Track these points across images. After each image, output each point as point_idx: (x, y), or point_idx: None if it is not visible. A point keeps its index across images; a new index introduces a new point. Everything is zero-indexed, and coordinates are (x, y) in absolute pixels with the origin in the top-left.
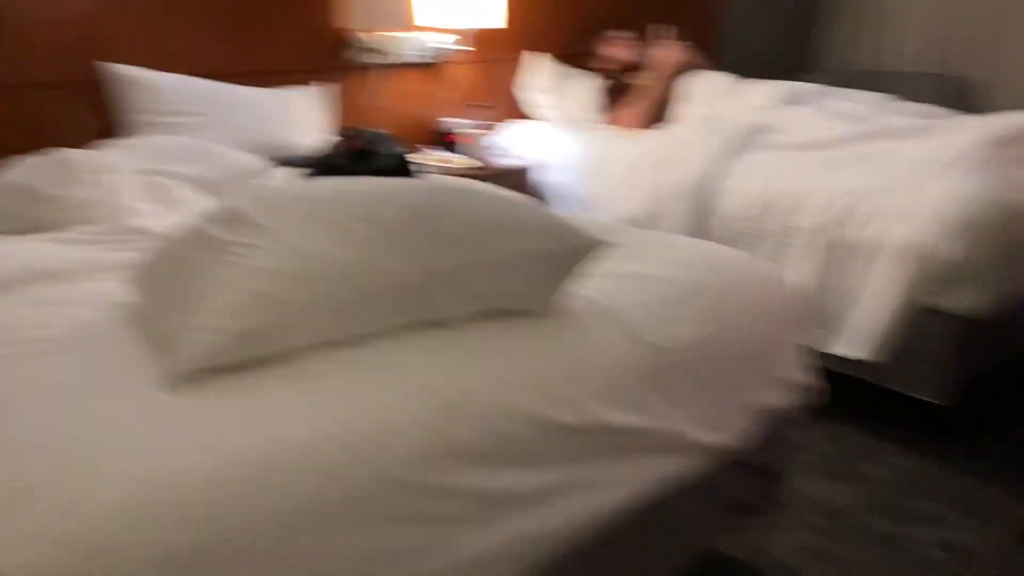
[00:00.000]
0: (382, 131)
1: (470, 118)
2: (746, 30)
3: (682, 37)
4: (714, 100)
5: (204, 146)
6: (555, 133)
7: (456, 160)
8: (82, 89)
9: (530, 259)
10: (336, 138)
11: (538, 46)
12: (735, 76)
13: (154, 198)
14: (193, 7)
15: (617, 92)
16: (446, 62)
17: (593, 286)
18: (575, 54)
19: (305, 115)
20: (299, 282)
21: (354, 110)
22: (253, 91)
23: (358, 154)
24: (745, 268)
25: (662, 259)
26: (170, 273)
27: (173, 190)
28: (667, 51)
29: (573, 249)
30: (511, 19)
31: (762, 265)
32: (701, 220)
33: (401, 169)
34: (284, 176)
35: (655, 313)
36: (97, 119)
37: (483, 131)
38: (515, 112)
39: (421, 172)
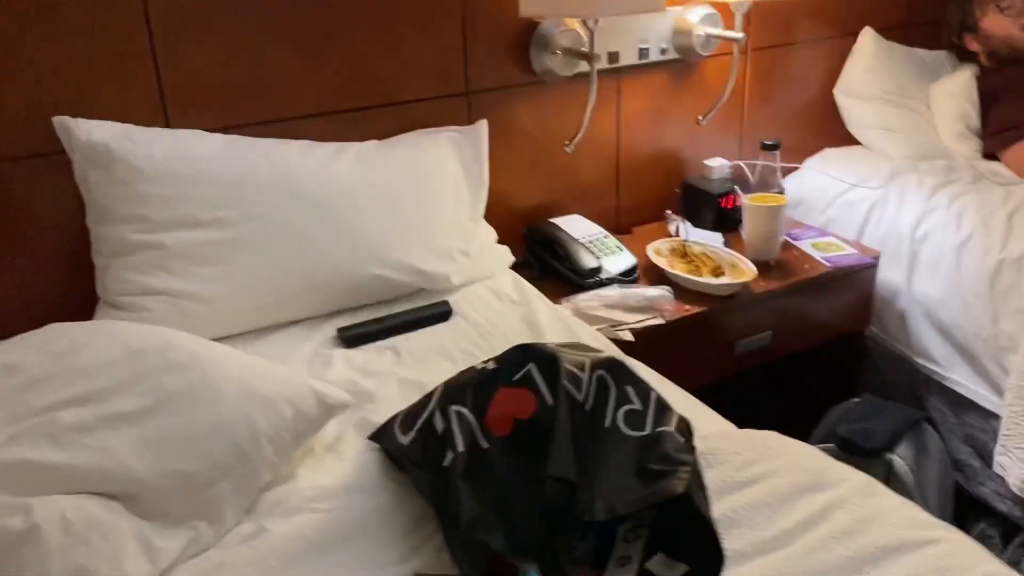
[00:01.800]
0: (593, 368)
1: (765, 161)
2: None
3: None
4: None
5: (170, 344)
6: (903, 181)
7: (733, 264)
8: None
9: None
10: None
11: (864, 17)
12: None
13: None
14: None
15: (1012, 100)
16: (712, 56)
17: None
18: (927, 22)
19: (446, 187)
20: None
21: (539, 175)
22: (346, 150)
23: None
24: None
25: None
26: None
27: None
28: None
29: None
30: None
31: None
32: None
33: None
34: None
35: None
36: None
37: (781, 189)
38: (833, 138)
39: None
